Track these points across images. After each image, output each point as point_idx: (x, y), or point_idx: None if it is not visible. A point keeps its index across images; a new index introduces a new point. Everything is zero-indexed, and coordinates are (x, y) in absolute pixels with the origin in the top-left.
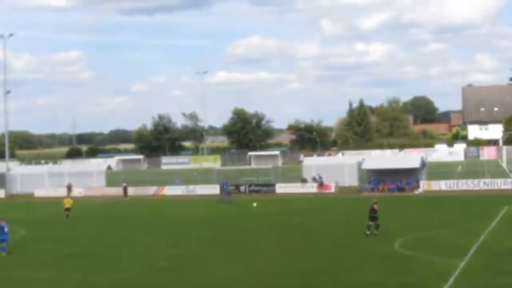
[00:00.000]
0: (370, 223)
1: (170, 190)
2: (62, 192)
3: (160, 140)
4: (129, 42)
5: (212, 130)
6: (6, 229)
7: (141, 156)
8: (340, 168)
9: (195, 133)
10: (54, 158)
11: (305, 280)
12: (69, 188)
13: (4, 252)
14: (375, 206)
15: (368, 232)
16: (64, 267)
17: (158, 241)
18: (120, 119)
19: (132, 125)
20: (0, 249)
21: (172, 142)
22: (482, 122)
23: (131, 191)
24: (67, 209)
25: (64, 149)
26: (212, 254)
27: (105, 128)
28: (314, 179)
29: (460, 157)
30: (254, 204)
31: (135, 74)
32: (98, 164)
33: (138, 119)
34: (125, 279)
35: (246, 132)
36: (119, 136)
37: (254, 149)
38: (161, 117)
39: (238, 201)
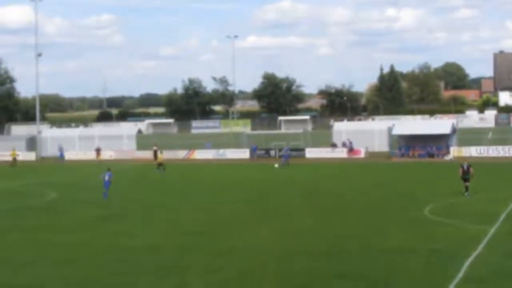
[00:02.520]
0: (467, 184)
1: (200, 154)
2: (92, 155)
3: (190, 104)
4: (160, 6)
5: (242, 95)
6: (108, 178)
7: (171, 120)
8: (370, 134)
9: (225, 98)
10: (84, 122)
11: (334, 244)
12: (98, 151)
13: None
14: (468, 168)
15: (466, 193)
16: (95, 230)
17: (188, 205)
18: (150, 83)
19: (162, 89)
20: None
21: (202, 106)
22: None
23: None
24: (160, 164)
25: (95, 113)
26: (242, 218)
27: (136, 92)
28: (344, 144)
29: (491, 124)
30: (276, 165)
31: (166, 38)
32: (129, 128)
33: (168, 83)
34: (155, 242)
35: (276, 97)
36: (149, 100)
37: (284, 113)
38: (191, 81)
39: (267, 165)
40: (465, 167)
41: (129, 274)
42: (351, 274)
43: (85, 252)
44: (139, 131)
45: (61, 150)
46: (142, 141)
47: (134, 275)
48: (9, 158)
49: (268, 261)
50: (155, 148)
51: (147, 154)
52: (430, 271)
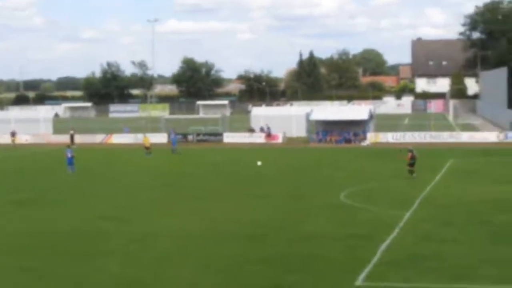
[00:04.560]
0: (413, 168)
1: (117, 138)
2: (7, 139)
3: (108, 88)
4: None
5: (161, 79)
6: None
7: (89, 104)
8: (288, 119)
9: (144, 82)
10: (0, 105)
11: (252, 229)
12: (12, 134)
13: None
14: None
15: (414, 175)
16: (12, 215)
17: (107, 190)
18: (69, 66)
19: (81, 72)
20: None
21: (120, 90)
22: (430, 75)
23: (78, 138)
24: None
25: (11, 96)
26: (161, 203)
27: (54, 75)
28: (262, 129)
29: (408, 110)
30: (259, 163)
31: (86, 21)
32: (46, 111)
33: (87, 67)
34: (73, 227)
35: (195, 81)
36: (67, 84)
37: (203, 98)
38: (109, 65)
39: (186, 150)
40: (414, 152)
41: (46, 259)
42: (269, 259)
43: (1, 236)
44: (56, 115)
45: None
46: (59, 125)
47: (51, 260)
48: None
49: (186, 246)
50: (72, 132)
51: (64, 138)
52: (347, 256)
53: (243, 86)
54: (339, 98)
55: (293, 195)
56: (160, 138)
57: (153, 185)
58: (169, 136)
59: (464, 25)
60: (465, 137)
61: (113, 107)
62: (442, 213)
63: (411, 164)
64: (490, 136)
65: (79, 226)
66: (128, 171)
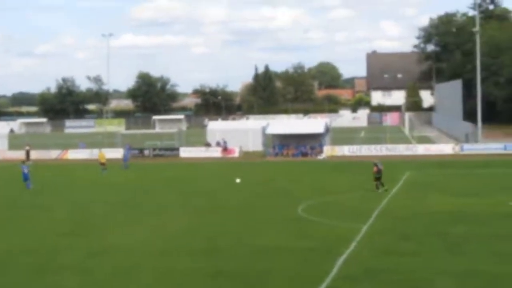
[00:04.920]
0: (381, 181)
1: (73, 154)
2: None
3: (63, 103)
4: (34, 3)
5: (117, 94)
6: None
7: (44, 119)
8: (244, 133)
9: (100, 97)
10: None
11: (210, 243)
12: None
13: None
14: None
15: (383, 189)
16: None
17: (63, 205)
18: (24, 81)
19: (36, 87)
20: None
21: (76, 105)
22: (386, 88)
23: (34, 154)
24: (103, 164)
25: None
26: (117, 218)
27: (9, 90)
28: (218, 144)
29: (364, 123)
30: (238, 180)
31: (41, 36)
32: (1, 127)
33: (42, 82)
34: (29, 243)
35: (150, 96)
36: (22, 99)
37: (159, 113)
38: (65, 80)
39: (143, 165)
40: (379, 166)
41: (1, 276)
42: (227, 272)
43: None
44: (11, 131)
45: None
46: (14, 140)
47: (6, 277)
48: None
49: (143, 261)
50: (27, 147)
51: (19, 154)
52: (304, 269)
53: (199, 100)
54: (295, 111)
55: (249, 209)
56: (116, 153)
57: (109, 201)
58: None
59: (418, 37)
60: (421, 149)
61: (68, 123)
62: (399, 226)
63: (378, 178)
64: (445, 148)
65: (34, 242)
66: (84, 186)
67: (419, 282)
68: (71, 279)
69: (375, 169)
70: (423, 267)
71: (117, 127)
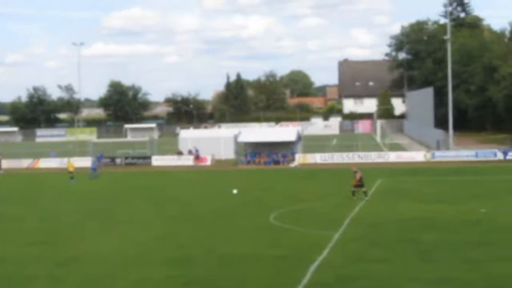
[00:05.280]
0: (363, 189)
1: (45, 163)
2: None
3: (35, 112)
4: (4, 13)
5: (89, 103)
6: None
7: (15, 128)
8: (216, 141)
9: (71, 106)
10: None
11: (182, 252)
12: None
13: None
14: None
15: (366, 197)
16: None
17: (33, 214)
18: None
19: (6, 97)
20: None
21: (47, 114)
22: (357, 96)
23: (5, 163)
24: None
25: None
26: (88, 227)
27: None
28: (190, 152)
29: (336, 131)
30: (234, 191)
31: (11, 45)
32: None
33: (13, 91)
34: None
35: (122, 105)
36: None
37: (131, 121)
38: (36, 89)
39: (115, 173)
40: (360, 173)
41: None
42: (199, 281)
43: None
44: None
45: None
46: None
47: None
48: None
49: (114, 270)
50: None
51: None
52: (276, 277)
53: (170, 109)
54: (267, 119)
55: (221, 217)
56: (88, 162)
57: (80, 209)
58: (97, 160)
59: (390, 45)
60: (393, 156)
61: (40, 132)
62: (371, 233)
63: (361, 185)
64: (417, 155)
65: (4, 252)
66: (55, 195)
67: None
68: None
69: (358, 176)
70: (394, 274)
71: (89, 135)
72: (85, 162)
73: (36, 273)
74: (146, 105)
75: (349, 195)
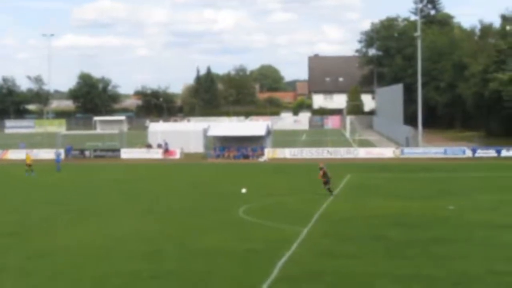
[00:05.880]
0: (329, 186)
1: (14, 154)
2: None
3: (4, 103)
4: None
5: (58, 94)
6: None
7: None
8: (185, 135)
9: (40, 97)
10: None
11: (150, 246)
12: None
13: None
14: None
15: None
16: None
17: (1, 206)
18: None
19: None
20: None
21: (16, 105)
22: (327, 91)
23: None
24: (29, 165)
25: None
26: (56, 219)
27: None
28: (159, 145)
29: (305, 126)
30: (244, 190)
31: None
32: None
33: None
34: None
35: (92, 97)
36: None
37: (100, 114)
38: (5, 80)
39: (84, 165)
40: (325, 169)
41: None
42: (165, 275)
43: None
44: None
45: None
46: None
47: None
48: None
49: (83, 263)
50: None
51: None
52: (245, 271)
53: (140, 102)
54: (237, 114)
55: (190, 211)
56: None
57: (49, 202)
58: (66, 152)
59: (360, 41)
60: (362, 153)
61: (9, 123)
62: (339, 229)
63: (327, 182)
64: (386, 151)
65: None
66: (24, 187)
67: (359, 285)
68: (9, 281)
69: (321, 172)
70: (363, 271)
71: (58, 127)
72: (54, 154)
73: (5, 265)
74: (115, 97)
75: (318, 191)
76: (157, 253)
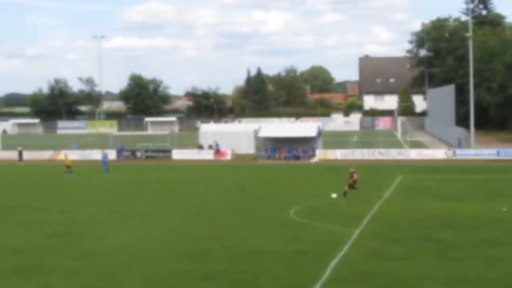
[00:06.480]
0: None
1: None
2: None
3: (56, 105)
4: (25, 5)
5: (109, 95)
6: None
7: (36, 120)
8: (236, 136)
9: (92, 98)
10: None
11: (199, 246)
12: None
13: None
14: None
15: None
16: None
17: (52, 206)
18: (15, 82)
19: (27, 89)
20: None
21: (68, 106)
22: (378, 92)
23: (27, 155)
24: (68, 167)
25: None
26: (106, 219)
27: (1, 91)
28: (210, 146)
29: (356, 127)
30: (334, 195)
31: (31, 38)
32: None
33: (33, 83)
34: (17, 244)
35: (143, 98)
36: (14, 100)
37: (151, 115)
38: (57, 81)
39: (135, 166)
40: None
41: None
42: (216, 275)
43: None
44: (4, 131)
45: None
46: (7, 141)
47: None
48: None
49: (132, 263)
50: (20, 148)
51: (12, 154)
52: (295, 272)
53: (191, 103)
54: (287, 115)
55: (241, 211)
56: (109, 155)
57: (99, 202)
58: (117, 153)
59: (411, 42)
60: (414, 154)
61: (61, 124)
62: (390, 230)
63: (352, 186)
64: (438, 153)
65: (24, 242)
66: (75, 188)
67: (408, 286)
68: (59, 280)
69: (354, 176)
70: (413, 272)
71: (109, 128)
72: (109, 155)
73: (54, 265)
74: (166, 98)
75: (368, 193)
76: (206, 253)
